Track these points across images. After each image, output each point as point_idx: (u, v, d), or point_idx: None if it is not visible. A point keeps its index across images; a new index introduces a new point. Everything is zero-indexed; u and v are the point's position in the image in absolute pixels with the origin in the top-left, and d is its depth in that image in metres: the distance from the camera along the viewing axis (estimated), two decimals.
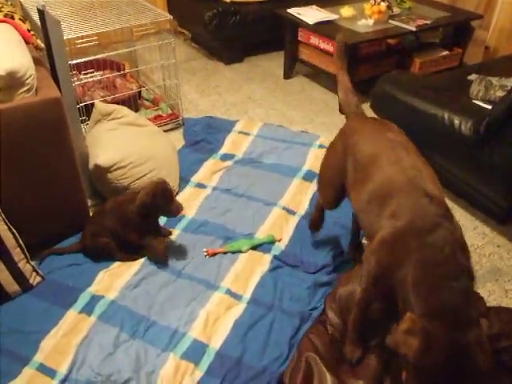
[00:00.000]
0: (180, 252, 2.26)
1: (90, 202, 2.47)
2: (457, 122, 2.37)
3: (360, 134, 1.73)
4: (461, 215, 2.56)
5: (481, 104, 2.59)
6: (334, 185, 1.87)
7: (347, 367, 1.73)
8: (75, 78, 2.84)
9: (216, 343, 1.87)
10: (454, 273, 1.33)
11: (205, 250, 2.25)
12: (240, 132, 3.16)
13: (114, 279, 2.12)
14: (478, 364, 1.26)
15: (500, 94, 2.54)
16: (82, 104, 2.92)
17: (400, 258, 1.39)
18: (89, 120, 2.79)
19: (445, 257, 1.34)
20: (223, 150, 2.98)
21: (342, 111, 1.98)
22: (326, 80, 3.84)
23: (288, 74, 4.05)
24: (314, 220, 2.21)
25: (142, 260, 2.22)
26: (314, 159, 2.88)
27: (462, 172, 2.45)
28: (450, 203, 2.59)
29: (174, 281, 2.13)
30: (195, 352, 1.84)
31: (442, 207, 1.44)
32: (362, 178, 1.64)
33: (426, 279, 1.34)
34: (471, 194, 2.51)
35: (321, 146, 2.99)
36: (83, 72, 3.13)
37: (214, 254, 2.24)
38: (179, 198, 2.56)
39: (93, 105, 2.74)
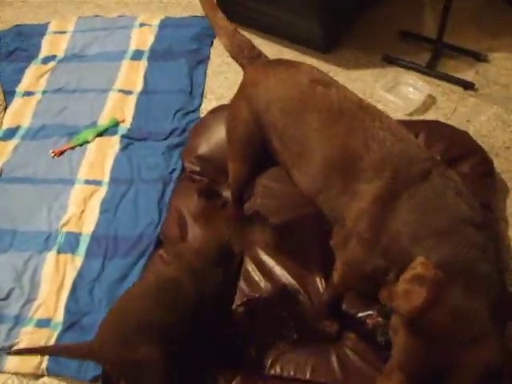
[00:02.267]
0: (26, 161, 2.18)
1: None
2: None
3: (275, 99, 1.36)
4: (289, 56, 2.67)
5: None
6: (247, 159, 1.54)
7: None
8: None
9: (88, 229, 1.91)
10: (461, 220, 1.10)
11: (51, 151, 2.19)
12: (55, 32, 2.95)
13: None
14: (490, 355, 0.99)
15: None
16: None
17: (396, 215, 1.12)
18: None
19: (447, 203, 1.11)
20: (42, 54, 2.79)
21: (233, 58, 1.57)
22: None
23: None
24: (236, 217, 1.80)
25: None
26: (138, 39, 2.81)
27: (278, 11, 2.54)
28: (275, 47, 2.68)
29: (29, 190, 2.08)
30: (70, 244, 1.88)
31: (423, 150, 1.21)
32: (302, 152, 1.31)
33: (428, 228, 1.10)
34: (292, 32, 2.63)
35: (142, 25, 2.90)
36: None
37: (62, 153, 2.20)
38: (8, 113, 2.43)
39: None
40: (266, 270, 1.70)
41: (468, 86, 2.46)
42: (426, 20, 2.93)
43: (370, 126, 1.22)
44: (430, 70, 2.53)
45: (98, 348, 1.34)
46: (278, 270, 1.69)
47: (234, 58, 1.56)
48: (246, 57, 1.50)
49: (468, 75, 2.53)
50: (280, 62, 1.46)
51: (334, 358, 1.50)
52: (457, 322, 0.99)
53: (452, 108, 2.38)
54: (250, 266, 1.71)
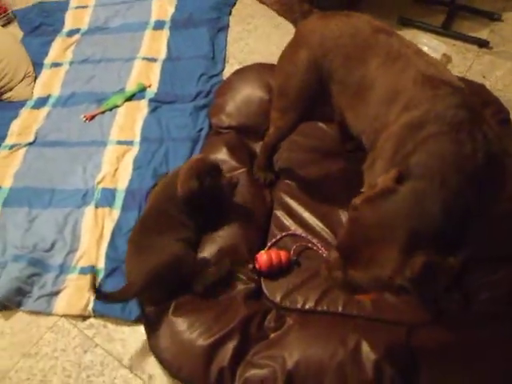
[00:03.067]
0: (58, 126, 2.29)
1: None
2: None
3: (339, 45, 1.45)
4: None
5: None
6: (300, 106, 1.61)
7: None
8: None
9: (123, 185, 2.02)
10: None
11: (82, 116, 2.29)
12: (77, 7, 3.04)
13: (5, 170, 2.13)
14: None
15: None
16: None
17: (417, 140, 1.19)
18: None
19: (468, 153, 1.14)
20: (67, 27, 2.89)
21: (283, 16, 1.69)
22: None
23: None
24: (262, 166, 1.90)
25: (25, 149, 2.22)
26: (158, 10, 2.88)
27: None
28: None
29: (63, 152, 2.18)
30: (107, 199, 1.99)
31: (466, 96, 1.25)
32: (359, 93, 1.42)
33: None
34: None
35: None
36: None
37: (93, 117, 2.30)
38: (38, 84, 2.53)
39: None
40: (295, 215, 1.78)
41: (483, 44, 2.52)
42: None
43: (422, 68, 1.31)
44: (444, 31, 2.59)
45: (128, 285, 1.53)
46: (307, 216, 1.77)
47: (283, 15, 1.65)
48: (298, 11, 1.60)
49: (482, 34, 2.59)
50: (337, 13, 1.54)
51: None
52: (380, 224, 1.10)
53: (468, 66, 2.44)
54: (279, 212, 1.79)
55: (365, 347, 1.42)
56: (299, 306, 1.59)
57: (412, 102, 1.26)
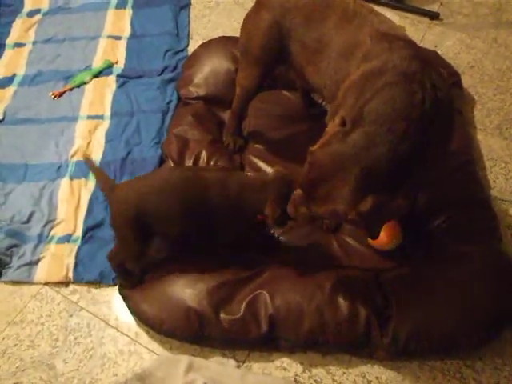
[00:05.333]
0: (27, 104, 2.29)
1: None
2: None
3: (299, 6, 1.57)
4: None
5: None
6: (263, 64, 1.74)
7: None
8: None
9: (97, 156, 2.07)
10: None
11: (50, 93, 2.31)
12: None
13: None
14: None
15: None
16: None
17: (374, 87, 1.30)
18: None
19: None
20: (27, 8, 2.85)
21: None
22: None
23: None
24: (232, 131, 1.99)
25: None
26: None
27: None
28: None
29: (34, 129, 2.20)
30: (82, 170, 2.02)
31: (419, 51, 1.39)
32: (318, 48, 1.53)
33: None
34: None
35: None
36: None
37: (61, 94, 2.31)
38: (1, 64, 2.52)
39: None
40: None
41: (434, 16, 2.67)
42: None
43: (377, 25, 1.45)
44: (397, 4, 2.72)
45: (118, 194, 1.56)
46: None
47: None
48: None
49: (433, 7, 2.75)
50: None
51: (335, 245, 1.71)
52: (334, 165, 1.24)
53: (420, 36, 2.59)
54: (250, 173, 1.88)
55: (340, 291, 1.54)
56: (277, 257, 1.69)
57: (370, 53, 1.38)
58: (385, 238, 1.63)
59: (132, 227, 1.55)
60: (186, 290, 1.57)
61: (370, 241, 1.67)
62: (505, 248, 1.73)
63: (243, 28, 1.78)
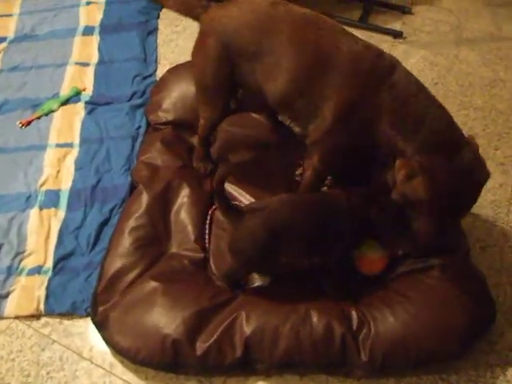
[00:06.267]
0: None
1: None
2: None
3: (243, 24, 1.55)
4: None
5: None
6: (221, 92, 1.71)
7: None
8: None
9: (66, 185, 2.04)
10: (429, 103, 1.41)
11: (18, 122, 2.29)
12: (1, 15, 3.01)
13: None
14: (479, 176, 1.35)
15: None
16: None
17: (371, 101, 1.38)
18: None
19: (414, 91, 1.39)
20: None
21: (187, 15, 1.74)
22: None
23: None
24: (201, 157, 1.97)
25: None
26: (87, 16, 2.91)
27: None
28: None
29: (1, 159, 2.17)
30: (51, 199, 2.00)
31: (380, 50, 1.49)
32: (275, 63, 1.50)
33: (406, 115, 1.37)
34: None
35: (89, 3, 3.01)
36: None
37: (29, 123, 2.29)
38: None
39: None
40: (236, 199, 1.89)
41: (397, 34, 2.74)
42: None
43: (336, 32, 1.48)
44: (362, 24, 2.78)
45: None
46: (248, 198, 1.87)
47: (186, 14, 1.73)
48: (198, 6, 1.67)
49: (396, 26, 2.82)
50: (230, 3, 1.63)
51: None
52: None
53: None
54: None
55: (314, 312, 1.54)
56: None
57: (345, 65, 1.42)
58: (374, 266, 1.65)
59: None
60: (162, 318, 1.55)
61: (359, 266, 1.66)
62: (474, 260, 1.75)
63: (193, 61, 1.73)
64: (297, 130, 1.71)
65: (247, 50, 1.54)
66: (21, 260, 1.85)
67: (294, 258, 1.56)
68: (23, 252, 1.86)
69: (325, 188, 1.82)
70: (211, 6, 1.66)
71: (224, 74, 1.63)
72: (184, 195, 1.87)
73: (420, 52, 2.67)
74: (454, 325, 1.52)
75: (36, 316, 1.74)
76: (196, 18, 1.70)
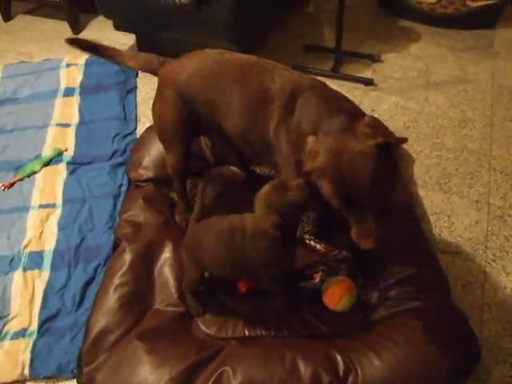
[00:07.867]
0: None
1: None
2: None
3: (194, 72, 1.70)
4: None
5: None
6: (181, 138, 1.82)
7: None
8: None
9: (50, 246, 2.05)
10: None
11: (0, 184, 2.31)
12: None
13: None
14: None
15: None
16: None
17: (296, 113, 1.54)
18: None
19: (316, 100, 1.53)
20: None
21: (147, 71, 1.89)
22: (50, 10, 3.81)
23: (7, 16, 3.89)
24: (182, 209, 2.05)
25: None
26: (67, 78, 3.00)
27: (192, 37, 2.82)
28: None
29: None
30: (35, 261, 2.00)
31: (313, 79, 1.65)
32: (228, 102, 1.65)
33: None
34: None
35: (69, 65, 3.10)
36: None
37: (12, 185, 2.32)
38: None
39: None
40: None
41: (368, 82, 2.85)
42: (325, 33, 3.33)
43: (274, 70, 1.63)
44: (334, 73, 2.89)
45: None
46: None
47: (146, 70, 1.88)
48: (156, 63, 1.83)
49: (367, 74, 2.93)
50: (187, 53, 1.79)
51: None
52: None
53: (357, 102, 2.72)
54: None
55: (300, 361, 1.54)
56: (236, 334, 1.69)
57: (278, 93, 1.56)
58: (337, 296, 1.68)
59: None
60: (150, 377, 1.54)
61: (324, 300, 1.71)
62: (456, 299, 1.78)
63: (153, 114, 1.87)
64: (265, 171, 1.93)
65: (200, 95, 1.69)
66: (4, 324, 1.83)
67: (217, 273, 1.67)
68: (7, 316, 1.85)
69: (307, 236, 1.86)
70: (167, 61, 1.82)
71: (182, 120, 1.76)
72: (167, 251, 1.88)
73: (391, 98, 2.77)
74: (440, 367, 1.52)
75: (21, 381, 1.71)
76: (155, 73, 1.84)
